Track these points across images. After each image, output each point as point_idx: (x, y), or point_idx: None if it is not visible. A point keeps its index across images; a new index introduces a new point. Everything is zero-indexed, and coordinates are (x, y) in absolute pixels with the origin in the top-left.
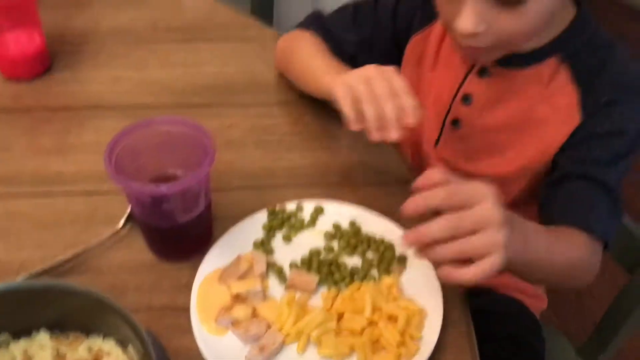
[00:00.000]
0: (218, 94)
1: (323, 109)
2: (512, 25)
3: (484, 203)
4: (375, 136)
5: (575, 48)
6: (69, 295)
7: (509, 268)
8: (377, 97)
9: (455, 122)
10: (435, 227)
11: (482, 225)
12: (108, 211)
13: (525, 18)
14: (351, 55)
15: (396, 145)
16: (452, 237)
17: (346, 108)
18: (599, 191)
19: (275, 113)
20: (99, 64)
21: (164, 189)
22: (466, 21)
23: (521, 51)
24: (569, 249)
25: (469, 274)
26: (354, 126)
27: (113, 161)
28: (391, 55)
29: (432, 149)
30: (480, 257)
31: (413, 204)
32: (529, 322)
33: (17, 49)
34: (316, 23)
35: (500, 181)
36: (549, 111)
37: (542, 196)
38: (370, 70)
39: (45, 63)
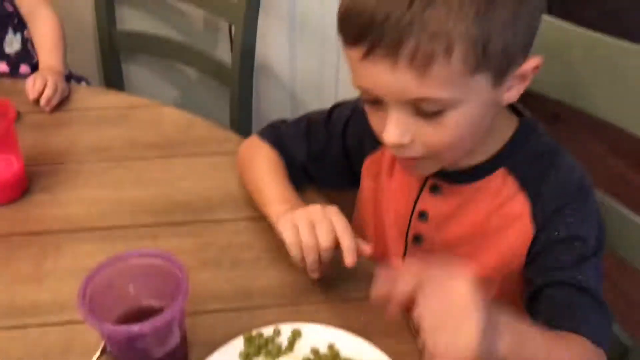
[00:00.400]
0: (194, 211)
1: None
2: (435, 136)
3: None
4: (314, 275)
5: (520, 159)
6: None
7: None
8: (319, 243)
9: (417, 239)
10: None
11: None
12: (83, 342)
13: (446, 129)
14: (302, 165)
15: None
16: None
17: (292, 253)
18: (577, 294)
19: (251, 228)
20: (77, 185)
21: (136, 329)
22: (390, 133)
23: (467, 166)
24: (568, 349)
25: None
26: (299, 264)
27: (87, 300)
28: (342, 167)
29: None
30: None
31: (383, 289)
32: None
33: None
34: (272, 134)
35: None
36: (502, 222)
37: (528, 314)
38: (315, 214)
39: (22, 186)
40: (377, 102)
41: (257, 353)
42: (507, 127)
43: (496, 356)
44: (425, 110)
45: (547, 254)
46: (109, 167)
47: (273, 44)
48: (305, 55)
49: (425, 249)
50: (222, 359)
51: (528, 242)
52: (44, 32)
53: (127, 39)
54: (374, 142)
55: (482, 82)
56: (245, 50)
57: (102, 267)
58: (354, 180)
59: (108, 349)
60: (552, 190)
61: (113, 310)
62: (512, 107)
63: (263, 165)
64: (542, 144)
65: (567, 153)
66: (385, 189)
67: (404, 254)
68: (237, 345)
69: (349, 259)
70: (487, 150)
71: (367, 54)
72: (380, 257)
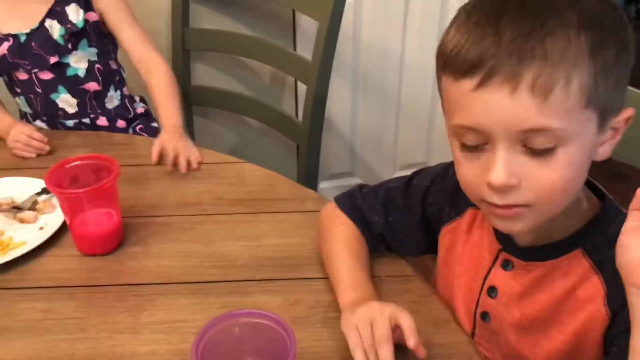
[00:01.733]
0: (281, 268)
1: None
2: (543, 176)
3: None
4: None
5: (598, 241)
6: None
7: None
8: (377, 341)
9: (484, 316)
10: None
11: None
12: None
13: (555, 169)
14: (379, 233)
15: None
16: None
17: (356, 357)
18: None
19: None
20: (168, 238)
21: None
22: (498, 172)
23: (542, 244)
24: None
25: None
26: None
27: (199, 355)
28: (420, 237)
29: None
30: None
31: None
32: None
33: (95, 227)
34: (350, 203)
35: None
36: (577, 305)
37: None
38: (373, 312)
39: (119, 238)
40: (479, 147)
41: None
42: (589, 207)
43: None
44: (536, 148)
45: (622, 340)
46: (198, 222)
47: (337, 99)
48: (367, 112)
49: (494, 327)
50: None
51: (603, 328)
52: (158, 83)
53: (199, 93)
54: (452, 213)
55: (591, 120)
56: (317, 109)
57: (214, 323)
58: (433, 248)
59: None
60: None
61: None
62: (593, 190)
63: (340, 242)
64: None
65: None
66: (458, 261)
67: (472, 331)
68: None
69: (410, 341)
70: (566, 229)
71: (483, 82)
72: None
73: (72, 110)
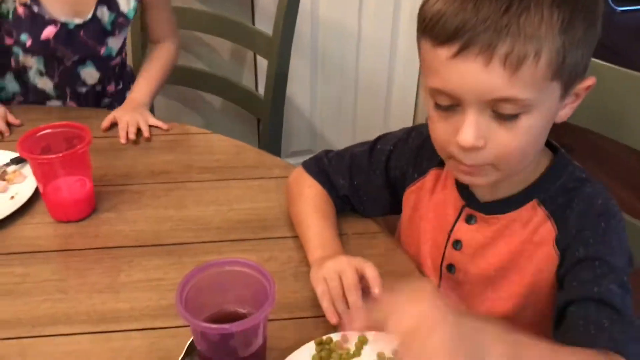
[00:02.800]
0: (253, 229)
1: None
2: (507, 140)
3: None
4: (346, 328)
5: (551, 192)
6: None
7: None
8: (346, 289)
9: (450, 268)
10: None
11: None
12: (164, 346)
13: (518, 134)
14: (345, 195)
15: None
16: None
17: (324, 304)
18: (595, 307)
19: None
20: (141, 205)
21: (233, 327)
22: (467, 134)
23: (502, 197)
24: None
25: None
26: (332, 320)
27: (183, 302)
28: (383, 198)
29: None
30: None
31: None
32: None
33: (69, 194)
34: (317, 167)
35: (505, 319)
36: (532, 249)
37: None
38: (340, 264)
39: (92, 205)
40: (451, 108)
41: (328, 357)
42: (543, 161)
43: None
44: (503, 114)
45: (569, 275)
46: (169, 189)
47: (296, 78)
48: (326, 88)
49: (459, 277)
50: None
51: (554, 267)
52: (151, 59)
53: None
54: (415, 174)
55: (555, 91)
56: (278, 83)
57: (197, 271)
58: (396, 208)
59: (197, 348)
60: (575, 216)
61: (202, 312)
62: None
63: (308, 203)
64: (573, 178)
65: (594, 183)
66: (423, 218)
67: (439, 283)
68: (309, 348)
69: (375, 289)
70: (524, 182)
71: (460, 52)
72: None
73: (92, 81)
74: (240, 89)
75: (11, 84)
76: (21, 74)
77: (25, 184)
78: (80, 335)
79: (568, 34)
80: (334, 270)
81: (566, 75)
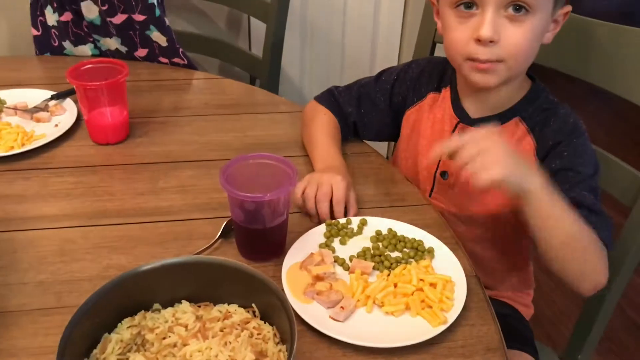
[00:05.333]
0: (266, 150)
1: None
2: (516, 35)
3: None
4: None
5: (530, 111)
6: (212, 267)
7: (532, 206)
8: (318, 198)
9: (444, 174)
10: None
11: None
12: (202, 232)
13: (524, 32)
14: (353, 122)
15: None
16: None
17: (297, 194)
18: (580, 209)
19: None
20: (167, 132)
21: (265, 197)
22: (487, 29)
23: (491, 114)
24: (582, 224)
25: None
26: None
27: (226, 179)
28: (386, 121)
29: (428, 199)
30: (484, 169)
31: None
32: (520, 318)
33: (110, 119)
34: (329, 98)
35: (490, 218)
36: None
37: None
38: (322, 177)
39: (127, 130)
40: (471, 10)
41: (337, 234)
42: (524, 87)
43: (527, 187)
44: (514, 13)
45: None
46: (191, 120)
47: (285, 47)
48: (315, 59)
49: (450, 182)
50: (312, 237)
51: None
52: None
53: None
54: (414, 98)
55: (550, 2)
56: (276, 45)
57: (235, 160)
58: (394, 134)
59: (233, 217)
60: (551, 132)
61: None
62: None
63: (319, 126)
64: (547, 101)
65: (565, 106)
66: (422, 134)
67: (432, 188)
68: (321, 229)
69: (336, 211)
70: (508, 101)
71: None
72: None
73: (164, 45)
74: (237, 50)
75: None
76: None
77: (66, 115)
78: (131, 225)
79: None
80: (316, 181)
81: None
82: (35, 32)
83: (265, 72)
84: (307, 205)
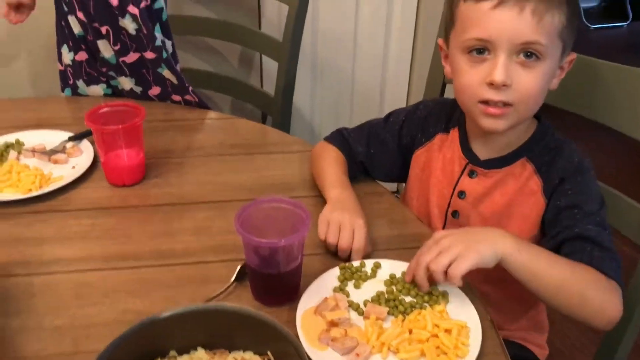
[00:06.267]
0: (280, 190)
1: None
2: (527, 81)
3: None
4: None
5: (537, 151)
6: (227, 315)
7: (514, 266)
8: (339, 243)
9: (455, 214)
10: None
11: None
12: (217, 274)
13: (535, 77)
14: (362, 162)
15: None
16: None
17: (321, 236)
18: (580, 243)
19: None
20: (183, 172)
21: (280, 242)
22: (499, 72)
23: (498, 156)
24: (574, 268)
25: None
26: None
27: (241, 224)
28: (395, 162)
29: None
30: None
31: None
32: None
33: (126, 161)
34: (338, 137)
35: None
36: (522, 198)
37: None
38: (344, 220)
39: (143, 172)
40: (483, 55)
41: (351, 278)
42: (530, 127)
43: (501, 253)
44: (529, 53)
45: (554, 222)
46: (207, 161)
47: (296, 84)
48: (325, 96)
49: (461, 221)
50: (326, 280)
51: (541, 212)
52: None
53: None
54: (423, 138)
55: (558, 49)
56: (288, 83)
57: (248, 206)
58: (402, 174)
59: (247, 262)
60: (557, 171)
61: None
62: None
63: (328, 159)
64: (553, 139)
65: (571, 144)
66: (432, 174)
67: (443, 226)
68: (334, 272)
69: (354, 258)
70: (516, 142)
71: (499, 4)
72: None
73: (176, 82)
74: (252, 88)
75: None
76: None
77: (83, 157)
78: (147, 268)
79: (570, 6)
80: (338, 221)
81: (564, 40)
82: (60, 67)
83: (277, 110)
84: (330, 248)
